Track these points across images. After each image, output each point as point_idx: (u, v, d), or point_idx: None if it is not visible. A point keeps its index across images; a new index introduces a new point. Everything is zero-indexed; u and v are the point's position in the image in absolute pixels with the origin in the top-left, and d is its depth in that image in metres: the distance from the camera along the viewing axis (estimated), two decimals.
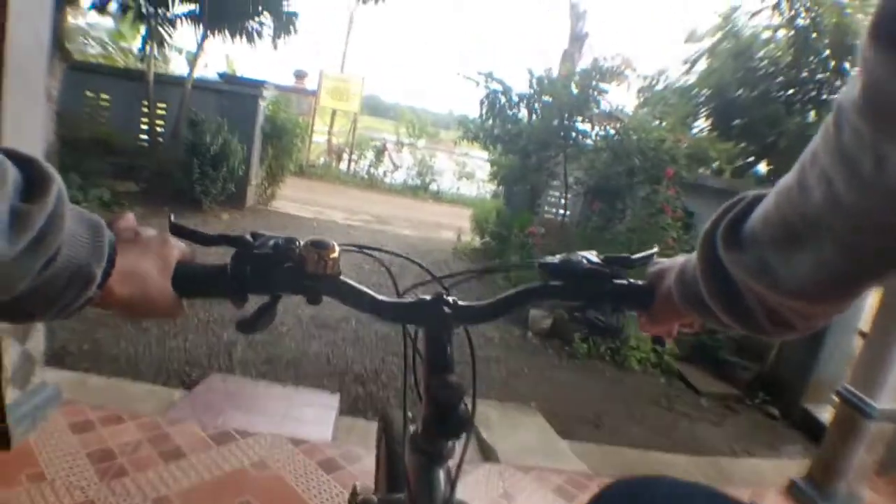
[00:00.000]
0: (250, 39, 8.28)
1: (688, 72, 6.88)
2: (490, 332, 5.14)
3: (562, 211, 7.70)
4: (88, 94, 8.53)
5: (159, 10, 7.90)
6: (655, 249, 0.75)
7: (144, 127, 8.45)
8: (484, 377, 4.06)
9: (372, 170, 15.07)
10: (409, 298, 0.74)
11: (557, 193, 8.24)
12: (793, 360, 4.59)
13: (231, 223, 7.58)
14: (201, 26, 8.15)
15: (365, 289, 0.70)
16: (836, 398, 2.83)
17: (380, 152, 15.26)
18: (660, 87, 7.45)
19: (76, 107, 8.28)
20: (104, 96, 8.64)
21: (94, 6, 7.69)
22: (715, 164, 5.75)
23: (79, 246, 0.49)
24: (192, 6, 8.07)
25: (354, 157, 15.61)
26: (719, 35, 6.79)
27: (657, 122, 5.96)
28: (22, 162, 0.44)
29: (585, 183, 6.54)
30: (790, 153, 6.38)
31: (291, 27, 8.26)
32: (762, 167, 6.53)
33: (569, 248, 0.78)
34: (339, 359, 4.00)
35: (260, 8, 8.10)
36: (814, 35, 6.39)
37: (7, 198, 0.41)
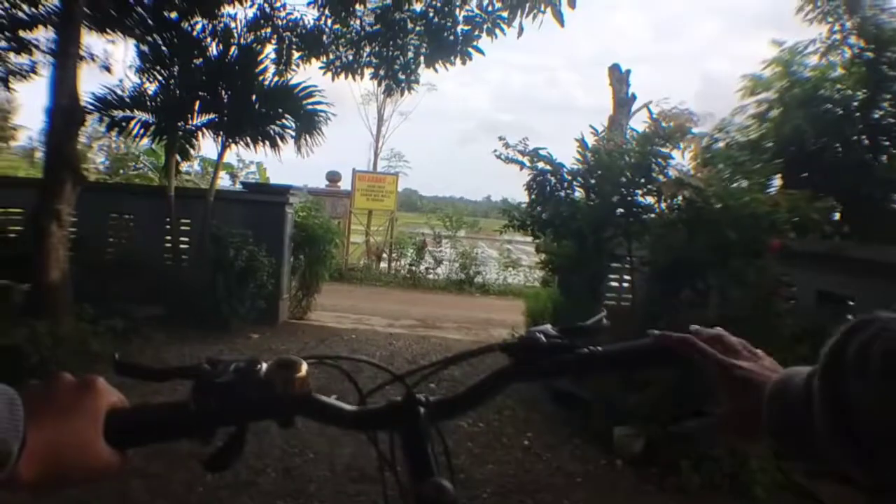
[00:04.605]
0: (273, 144, 7.78)
1: (760, 126, 6.09)
2: (569, 464, 4.11)
3: (628, 295, 6.76)
4: (113, 214, 8.20)
5: (178, 124, 7.57)
6: (604, 312, 0.76)
7: (168, 245, 7.97)
8: None
9: (413, 268, 14.48)
10: (378, 403, 0.69)
11: (619, 276, 7.34)
12: None
13: (260, 343, 6.87)
14: (222, 135, 7.78)
15: (339, 403, 0.67)
16: None
17: (420, 249, 14.70)
18: (719, 144, 6.66)
19: (101, 229, 7.95)
20: (128, 216, 8.29)
21: (110, 127, 7.46)
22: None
23: None
24: (212, 115, 7.71)
25: (394, 255, 15.11)
26: (786, 82, 6.03)
27: (738, 185, 5.09)
28: None
29: (655, 263, 5.63)
30: (873, 201, 5.55)
31: (315, 128, 7.71)
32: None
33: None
34: None
35: (280, 110, 7.65)
36: (884, 67, 5.66)
37: None
